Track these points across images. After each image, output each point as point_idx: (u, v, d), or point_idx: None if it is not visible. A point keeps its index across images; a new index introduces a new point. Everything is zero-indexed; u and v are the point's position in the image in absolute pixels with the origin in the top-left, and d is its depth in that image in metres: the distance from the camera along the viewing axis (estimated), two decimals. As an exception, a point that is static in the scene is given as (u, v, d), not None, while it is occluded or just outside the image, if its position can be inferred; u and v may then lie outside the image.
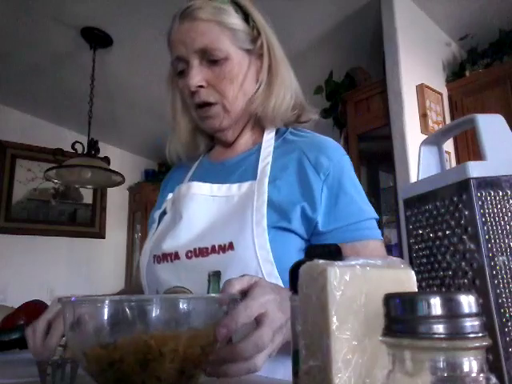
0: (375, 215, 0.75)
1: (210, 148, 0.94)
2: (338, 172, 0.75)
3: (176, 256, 0.74)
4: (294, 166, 0.76)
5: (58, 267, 3.80)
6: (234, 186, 0.76)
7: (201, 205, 0.77)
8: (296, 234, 0.72)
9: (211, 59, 0.77)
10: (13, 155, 3.79)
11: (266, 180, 0.74)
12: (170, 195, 0.86)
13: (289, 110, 0.82)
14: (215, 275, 0.64)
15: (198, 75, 0.76)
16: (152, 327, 0.41)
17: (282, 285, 0.66)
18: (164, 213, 0.85)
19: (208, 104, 0.78)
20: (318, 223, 0.72)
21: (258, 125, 0.86)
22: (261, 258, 0.67)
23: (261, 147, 0.81)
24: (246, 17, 0.80)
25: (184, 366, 0.42)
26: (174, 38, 0.78)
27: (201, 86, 0.77)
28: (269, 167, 0.76)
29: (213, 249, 0.70)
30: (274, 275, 0.67)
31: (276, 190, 0.73)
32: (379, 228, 0.76)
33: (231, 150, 0.87)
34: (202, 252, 0.71)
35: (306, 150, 0.78)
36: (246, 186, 0.75)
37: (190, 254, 0.72)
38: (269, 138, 0.83)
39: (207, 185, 0.78)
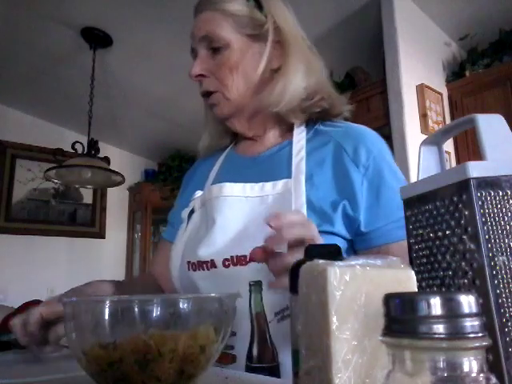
0: None
1: (235, 141, 0.92)
2: (378, 163, 0.71)
3: (212, 264, 0.70)
4: (331, 160, 0.72)
5: (57, 267, 3.80)
6: (268, 185, 0.72)
7: (234, 207, 0.72)
8: (339, 236, 0.69)
9: (213, 47, 0.78)
10: (13, 155, 3.79)
11: (303, 177, 0.70)
12: (199, 193, 0.81)
13: (299, 98, 0.77)
14: (256, 285, 0.61)
15: (198, 65, 0.78)
16: (151, 327, 0.41)
17: None
18: (192, 211, 0.81)
19: (210, 93, 0.79)
20: (361, 222, 0.69)
21: (283, 119, 0.81)
22: None
23: (292, 141, 0.78)
24: (258, 3, 0.78)
25: (183, 365, 0.42)
26: (191, 31, 0.81)
27: (202, 76, 0.78)
28: (303, 163, 0.72)
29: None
30: None
31: (314, 188, 0.70)
32: None
33: (260, 144, 0.84)
34: (239, 260, 0.67)
35: (342, 141, 0.74)
36: (280, 184, 0.71)
37: (227, 263, 0.68)
38: (299, 131, 0.79)
39: (240, 185, 0.74)
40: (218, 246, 0.70)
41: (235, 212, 0.72)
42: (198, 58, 0.78)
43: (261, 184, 0.72)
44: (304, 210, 0.66)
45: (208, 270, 0.70)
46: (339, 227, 0.68)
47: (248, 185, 0.73)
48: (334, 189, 0.70)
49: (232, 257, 0.68)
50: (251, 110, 0.80)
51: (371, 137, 0.75)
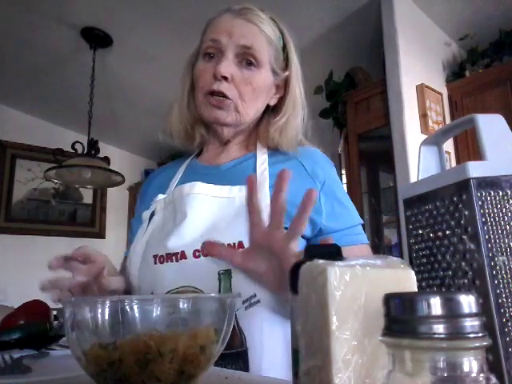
0: (361, 221, 0.82)
1: (198, 152, 0.95)
2: (331, 181, 0.81)
3: (182, 255, 0.73)
4: (292, 173, 0.78)
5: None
6: (235, 188, 0.77)
7: (204, 204, 0.77)
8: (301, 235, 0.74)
9: (247, 60, 0.79)
10: (13, 155, 3.79)
11: (267, 184, 0.76)
12: (161, 196, 0.85)
13: (296, 144, 0.86)
14: (226, 273, 0.64)
15: (229, 67, 0.78)
16: (151, 327, 0.41)
17: None
18: (153, 214, 0.84)
19: (223, 95, 0.79)
20: (323, 226, 0.76)
21: (252, 137, 0.89)
22: None
23: (255, 154, 0.84)
24: (284, 47, 0.85)
25: (183, 366, 0.42)
26: (221, 25, 0.80)
27: (225, 78, 0.78)
28: (267, 172, 0.79)
29: None
30: None
31: None
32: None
33: (224, 155, 0.88)
34: None
35: (301, 159, 0.82)
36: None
37: (197, 253, 0.72)
38: (261, 147, 0.86)
39: (210, 185, 0.79)
40: (189, 238, 0.73)
41: (205, 209, 0.76)
42: (227, 59, 0.78)
43: (228, 187, 0.77)
44: (267, 211, 0.71)
45: (177, 261, 0.73)
46: None
47: (217, 186, 0.78)
48: (296, 195, 0.75)
49: (203, 248, 0.71)
50: (243, 128, 0.86)
51: (324, 159, 0.86)
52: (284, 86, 0.87)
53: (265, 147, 0.87)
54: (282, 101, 0.87)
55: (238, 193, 0.76)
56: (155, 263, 0.75)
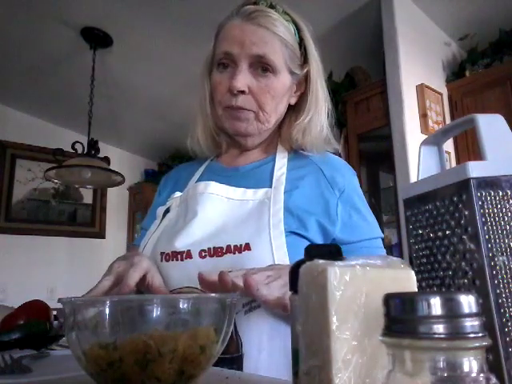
0: (382, 234, 0.80)
1: (218, 153, 0.94)
2: (351, 190, 0.79)
3: (188, 255, 0.72)
4: (310, 179, 0.78)
5: (57, 267, 3.80)
6: (250, 191, 0.76)
7: (216, 205, 0.76)
8: (310, 241, 0.73)
9: (262, 68, 0.76)
10: (13, 155, 3.79)
11: (282, 188, 0.75)
12: (178, 193, 0.84)
13: (322, 142, 0.84)
14: None
15: (244, 80, 0.75)
16: (151, 327, 0.41)
17: None
18: (167, 210, 0.83)
19: (242, 108, 0.78)
20: (336, 237, 0.74)
21: (274, 140, 0.87)
22: (277, 259, 0.67)
23: (275, 158, 0.83)
24: (300, 41, 0.82)
25: (183, 366, 0.42)
26: (231, 34, 0.77)
27: (242, 92, 0.76)
28: (284, 177, 0.78)
29: (228, 249, 0.69)
30: None
31: (292, 198, 0.74)
32: (382, 228, 0.78)
33: (244, 157, 0.87)
34: (216, 252, 0.70)
35: (321, 165, 0.80)
36: (261, 192, 0.75)
37: (203, 254, 0.71)
38: (282, 150, 0.85)
39: (224, 186, 0.78)
40: (196, 238, 0.73)
41: (216, 209, 0.75)
42: (241, 71, 0.75)
43: (243, 189, 0.77)
44: (281, 213, 0.71)
45: (182, 260, 0.72)
46: (313, 233, 0.73)
47: (231, 187, 0.78)
48: (312, 204, 0.76)
49: (209, 248, 0.71)
50: (267, 134, 0.84)
51: (346, 167, 0.84)
52: (305, 82, 0.83)
53: (286, 150, 0.85)
54: (303, 98, 0.84)
55: (252, 196, 0.76)
56: (161, 260, 0.74)
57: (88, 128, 2.79)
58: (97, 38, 2.74)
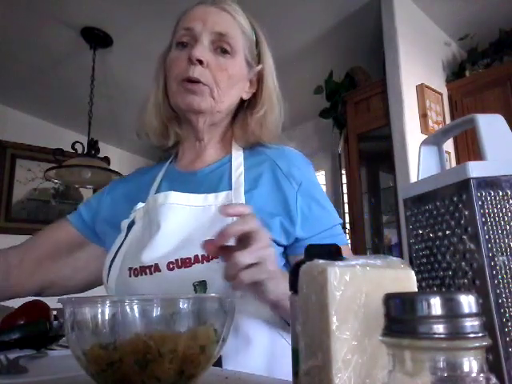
0: (340, 220, 0.80)
1: (175, 155, 0.93)
2: (307, 182, 0.79)
3: (156, 268, 0.71)
4: (268, 176, 0.78)
5: (57, 267, 3.79)
6: (211, 196, 0.75)
7: (178, 215, 0.75)
8: (275, 242, 0.73)
9: (222, 47, 0.78)
10: (13, 155, 3.79)
11: (242, 189, 0.75)
12: (140, 204, 0.82)
13: (277, 138, 0.86)
14: (200, 284, 0.63)
15: (204, 52, 0.77)
16: (151, 327, 0.41)
17: None
18: (133, 223, 0.81)
19: (197, 81, 0.77)
20: (297, 235, 0.74)
21: (227, 137, 0.88)
22: None
23: (231, 158, 0.83)
24: (256, 40, 0.85)
25: (183, 366, 0.42)
26: (193, 14, 0.80)
27: (201, 62, 0.76)
28: (242, 177, 0.78)
29: (196, 259, 0.68)
30: None
31: (253, 200, 0.74)
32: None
33: (201, 160, 0.86)
34: (184, 263, 0.69)
35: (276, 160, 0.81)
36: (222, 195, 0.75)
37: (171, 266, 0.70)
38: (237, 149, 0.85)
39: (184, 194, 0.77)
40: (162, 251, 0.71)
41: (179, 219, 0.74)
42: (201, 44, 0.77)
43: (203, 195, 0.76)
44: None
45: (151, 274, 0.71)
46: (276, 234, 0.73)
47: (192, 195, 0.77)
48: (271, 201, 0.76)
49: (177, 260, 0.69)
50: (217, 119, 0.83)
51: (300, 157, 0.84)
52: (257, 81, 0.86)
53: (241, 148, 0.85)
54: (256, 95, 0.86)
55: (214, 200, 0.74)
56: (130, 276, 0.73)
57: (88, 128, 2.79)
58: (97, 38, 2.74)
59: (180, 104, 0.79)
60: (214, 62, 0.78)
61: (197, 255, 0.68)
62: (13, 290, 0.86)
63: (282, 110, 0.87)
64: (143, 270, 0.72)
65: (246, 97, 0.86)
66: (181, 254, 0.70)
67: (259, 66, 0.85)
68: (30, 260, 0.87)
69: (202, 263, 0.68)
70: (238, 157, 0.83)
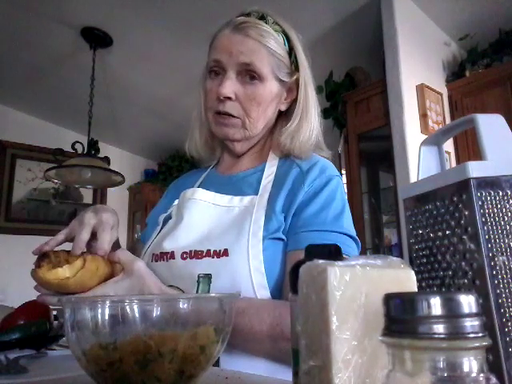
0: (349, 232, 0.74)
1: (218, 160, 0.99)
2: (323, 184, 0.77)
3: (171, 256, 0.77)
4: (290, 181, 0.80)
5: (57, 267, 3.79)
6: (236, 198, 0.80)
7: (202, 210, 0.81)
8: (284, 240, 0.75)
9: (250, 76, 0.80)
10: (13, 155, 3.79)
11: (267, 195, 0.78)
12: (177, 201, 0.89)
13: (312, 147, 0.86)
14: (205, 277, 0.65)
15: (230, 87, 0.79)
16: (151, 327, 0.41)
17: (270, 297, 0.70)
18: (169, 217, 0.87)
19: (229, 115, 0.81)
20: (287, 224, 0.75)
21: (266, 147, 0.91)
22: (252, 267, 0.70)
23: (265, 166, 0.86)
24: (290, 50, 0.85)
25: (183, 366, 0.42)
26: (221, 44, 0.81)
27: (229, 98, 0.80)
28: (271, 184, 0.81)
29: (207, 253, 0.73)
30: (263, 285, 0.70)
31: (274, 204, 0.77)
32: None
33: (238, 165, 0.91)
34: (196, 254, 0.74)
35: (302, 165, 0.82)
36: (247, 199, 0.79)
37: (185, 256, 0.75)
38: (273, 157, 0.88)
39: (211, 193, 0.83)
40: (181, 241, 0.78)
41: (202, 215, 0.80)
42: (228, 79, 0.79)
43: (230, 196, 0.81)
44: (262, 221, 0.74)
45: (167, 260, 0.78)
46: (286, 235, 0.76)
47: (218, 194, 0.82)
48: (285, 205, 0.77)
49: (191, 251, 0.75)
50: (254, 141, 0.88)
51: (329, 166, 0.83)
52: (296, 89, 0.87)
53: (278, 156, 0.88)
54: (294, 104, 0.87)
55: (238, 203, 0.79)
56: (152, 261, 0.80)
57: (88, 128, 2.79)
58: (97, 38, 2.74)
59: (216, 134, 0.86)
60: (242, 93, 0.80)
61: (209, 250, 0.73)
62: None
63: (319, 116, 0.88)
64: (162, 257, 0.79)
65: (284, 108, 0.88)
66: (196, 247, 0.75)
67: (295, 76, 0.85)
68: None
69: (212, 258, 0.73)
70: (271, 166, 0.86)
